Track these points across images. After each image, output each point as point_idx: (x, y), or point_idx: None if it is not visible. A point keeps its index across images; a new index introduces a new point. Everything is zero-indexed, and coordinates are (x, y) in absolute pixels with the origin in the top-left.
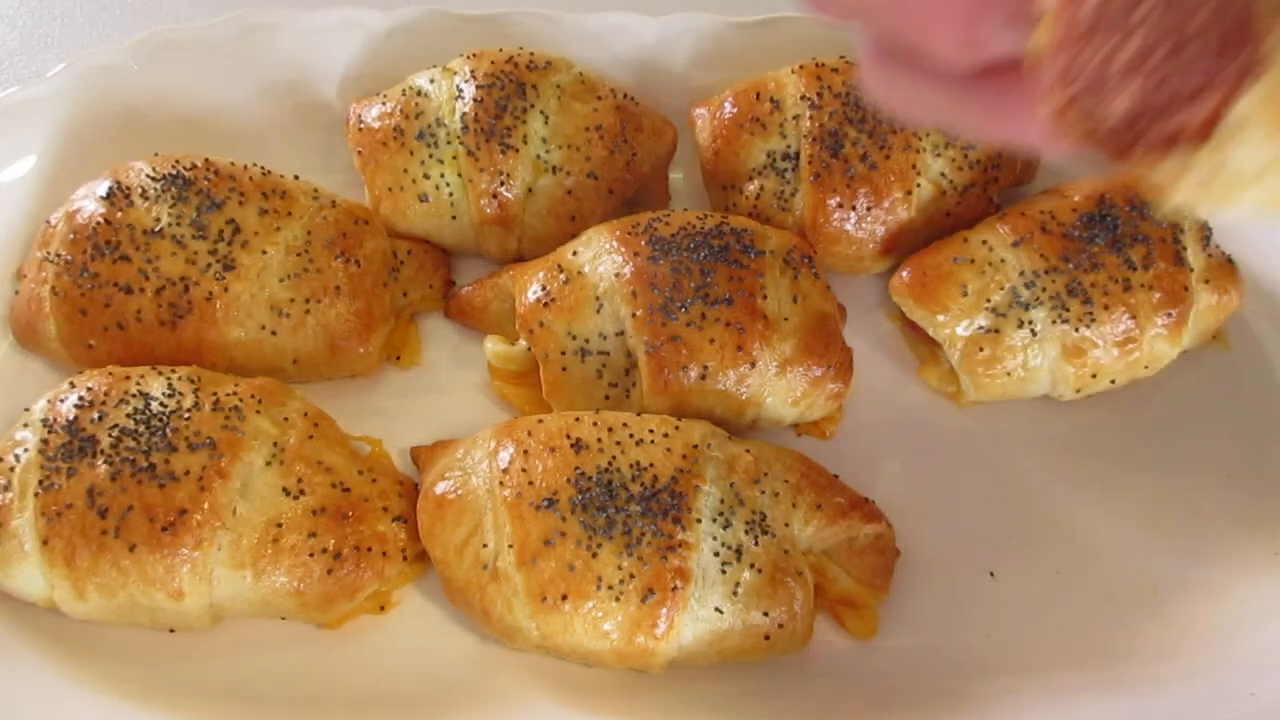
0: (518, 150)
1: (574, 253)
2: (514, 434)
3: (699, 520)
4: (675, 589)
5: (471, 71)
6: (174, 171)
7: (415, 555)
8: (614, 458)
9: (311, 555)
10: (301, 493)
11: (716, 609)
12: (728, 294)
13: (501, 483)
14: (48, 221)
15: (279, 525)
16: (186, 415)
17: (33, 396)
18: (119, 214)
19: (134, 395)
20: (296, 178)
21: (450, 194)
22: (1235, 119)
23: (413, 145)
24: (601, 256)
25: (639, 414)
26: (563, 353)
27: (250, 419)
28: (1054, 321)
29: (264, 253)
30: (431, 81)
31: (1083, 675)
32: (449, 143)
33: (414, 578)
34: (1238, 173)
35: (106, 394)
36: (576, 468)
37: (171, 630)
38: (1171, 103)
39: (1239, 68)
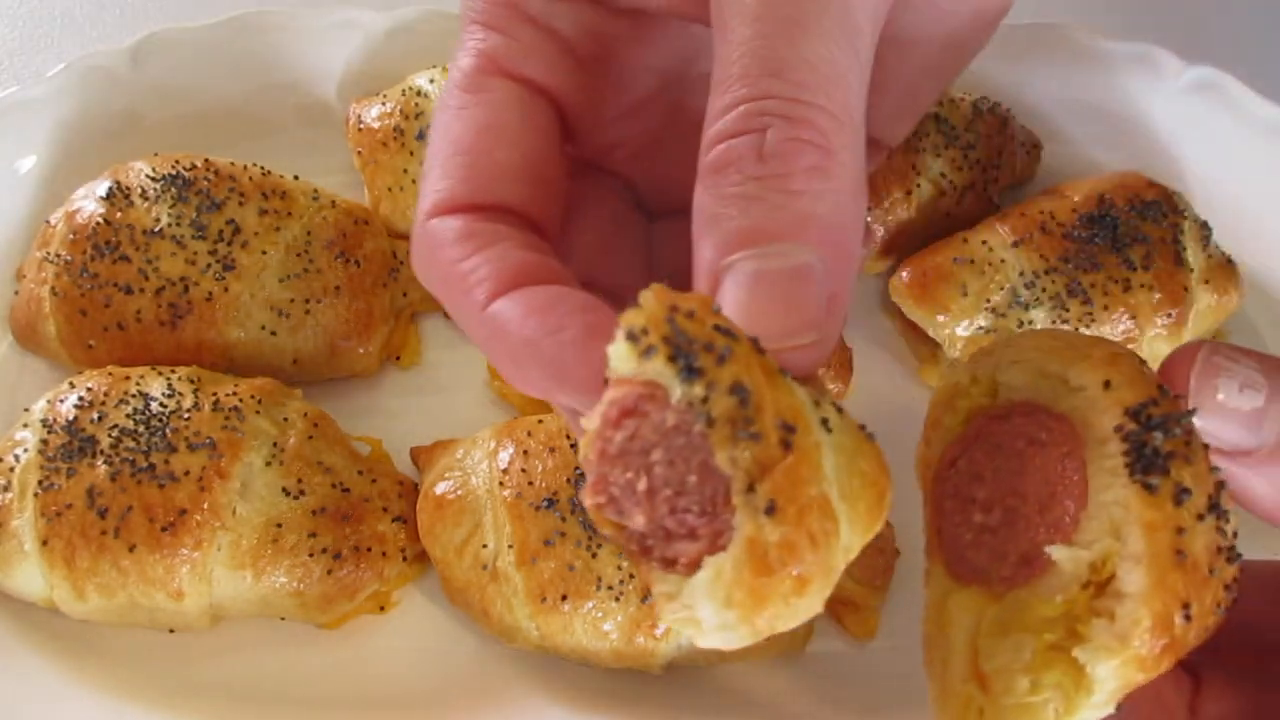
0: None
1: None
2: (514, 434)
3: None
4: None
5: None
6: (174, 171)
7: (415, 555)
8: None
9: (311, 555)
10: (301, 493)
11: None
12: None
13: (501, 483)
14: (48, 221)
15: (279, 525)
16: (186, 415)
17: (33, 396)
18: (119, 214)
19: (134, 395)
20: (296, 178)
21: None
22: (696, 581)
23: (413, 145)
24: None
25: None
26: None
27: (250, 419)
28: (1054, 321)
29: (264, 253)
30: (431, 81)
31: None
32: None
33: (414, 578)
34: (700, 620)
35: (106, 394)
36: (576, 468)
37: (171, 630)
38: (671, 536)
39: (714, 530)
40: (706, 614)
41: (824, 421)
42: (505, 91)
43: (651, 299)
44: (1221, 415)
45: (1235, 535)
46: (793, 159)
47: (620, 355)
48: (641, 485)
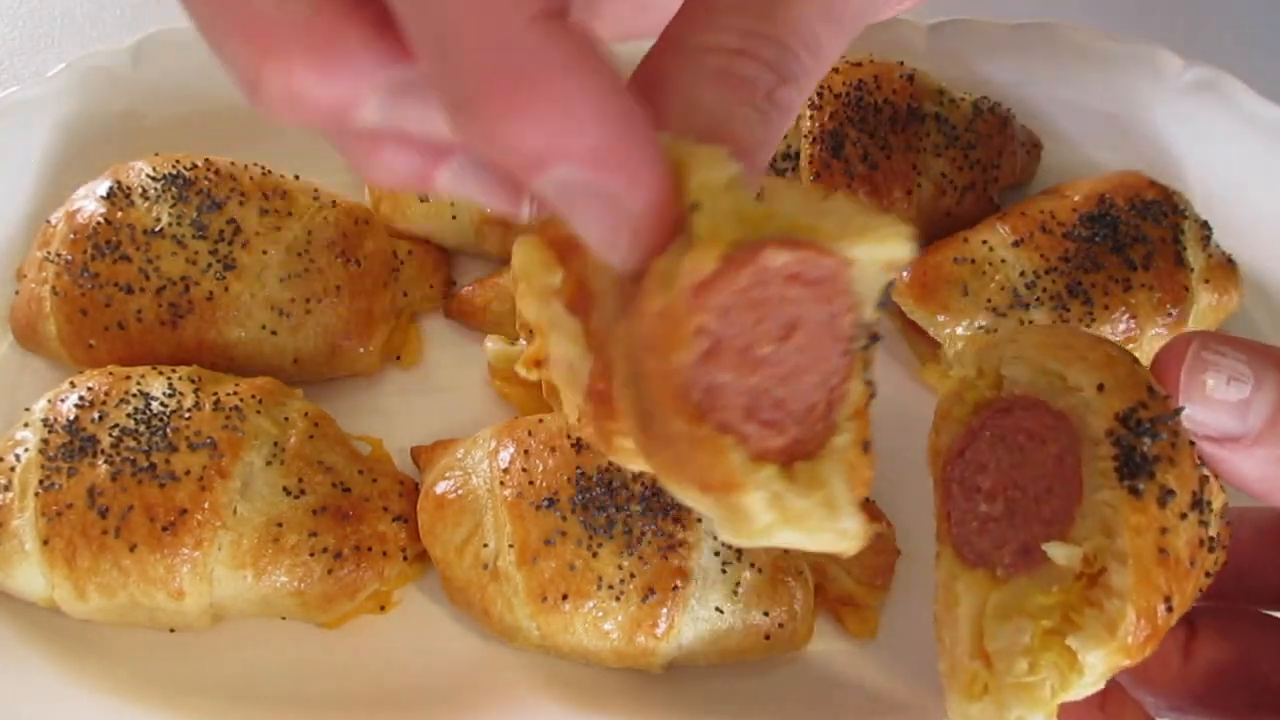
0: None
1: None
2: (514, 434)
3: (699, 520)
4: (676, 588)
5: None
6: (174, 171)
7: (415, 555)
8: None
9: (312, 555)
10: (302, 492)
11: (717, 608)
12: None
13: (502, 482)
14: (48, 221)
15: (279, 525)
16: (187, 415)
17: (33, 396)
18: (119, 214)
19: (134, 395)
20: (297, 178)
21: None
22: (835, 485)
23: None
24: None
25: None
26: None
27: (251, 419)
28: (1055, 321)
29: (264, 253)
30: None
31: None
32: None
33: (414, 578)
34: (800, 511)
35: (107, 394)
36: (577, 467)
37: (171, 630)
38: (755, 415)
39: (798, 438)
40: (848, 519)
41: None
42: None
43: (908, 228)
44: (1211, 406)
45: (1225, 513)
46: (786, 114)
47: (889, 256)
48: (765, 349)
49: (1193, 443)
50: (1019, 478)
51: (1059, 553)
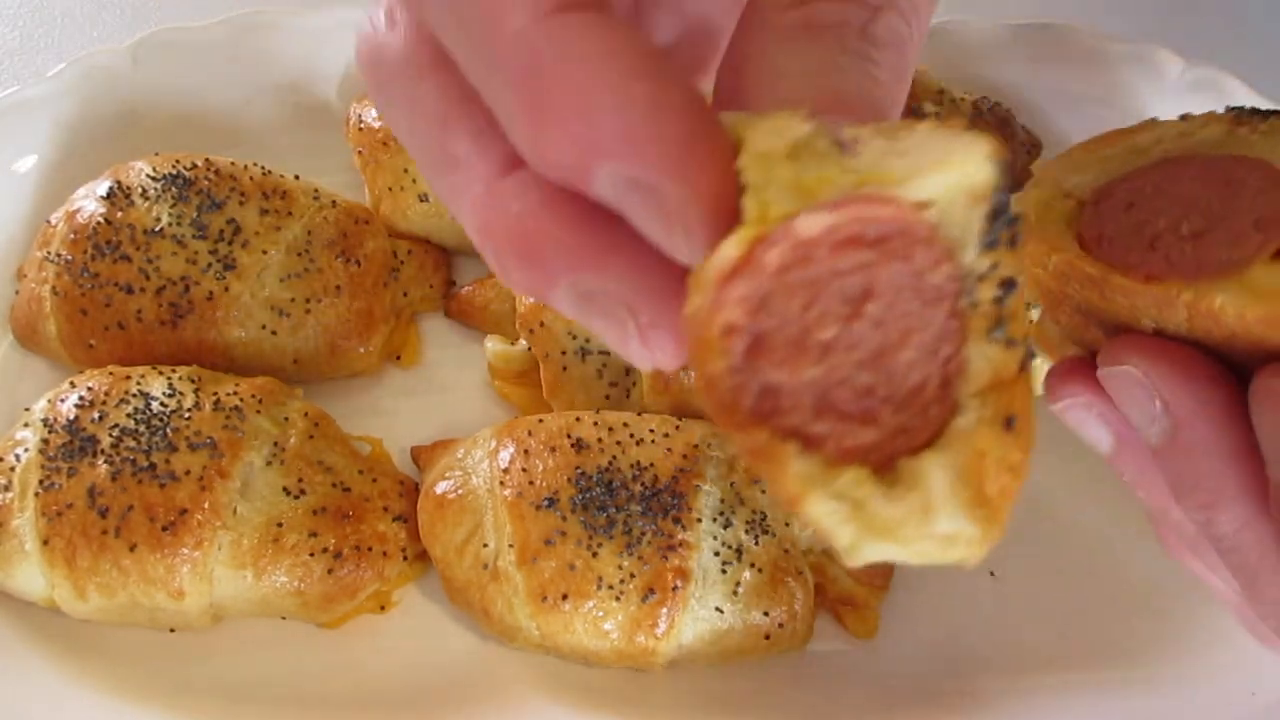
0: None
1: None
2: (514, 434)
3: (699, 520)
4: (676, 588)
5: None
6: (174, 171)
7: (415, 555)
8: (614, 457)
9: (312, 555)
10: (302, 492)
11: (717, 608)
12: None
13: (502, 482)
14: (48, 221)
15: (279, 525)
16: (187, 415)
17: (33, 396)
18: (119, 214)
19: (134, 395)
20: (297, 178)
21: None
22: (934, 484)
23: None
24: None
25: (639, 414)
26: (563, 352)
27: (251, 419)
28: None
29: (264, 253)
30: None
31: (1083, 675)
32: None
33: (414, 578)
34: (882, 520)
35: (107, 394)
36: (577, 467)
37: (172, 630)
38: (827, 411)
39: (903, 426)
40: (950, 520)
41: None
42: None
43: (988, 144)
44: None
45: None
46: (889, 50)
47: (965, 181)
48: (827, 333)
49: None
50: (1190, 197)
51: None
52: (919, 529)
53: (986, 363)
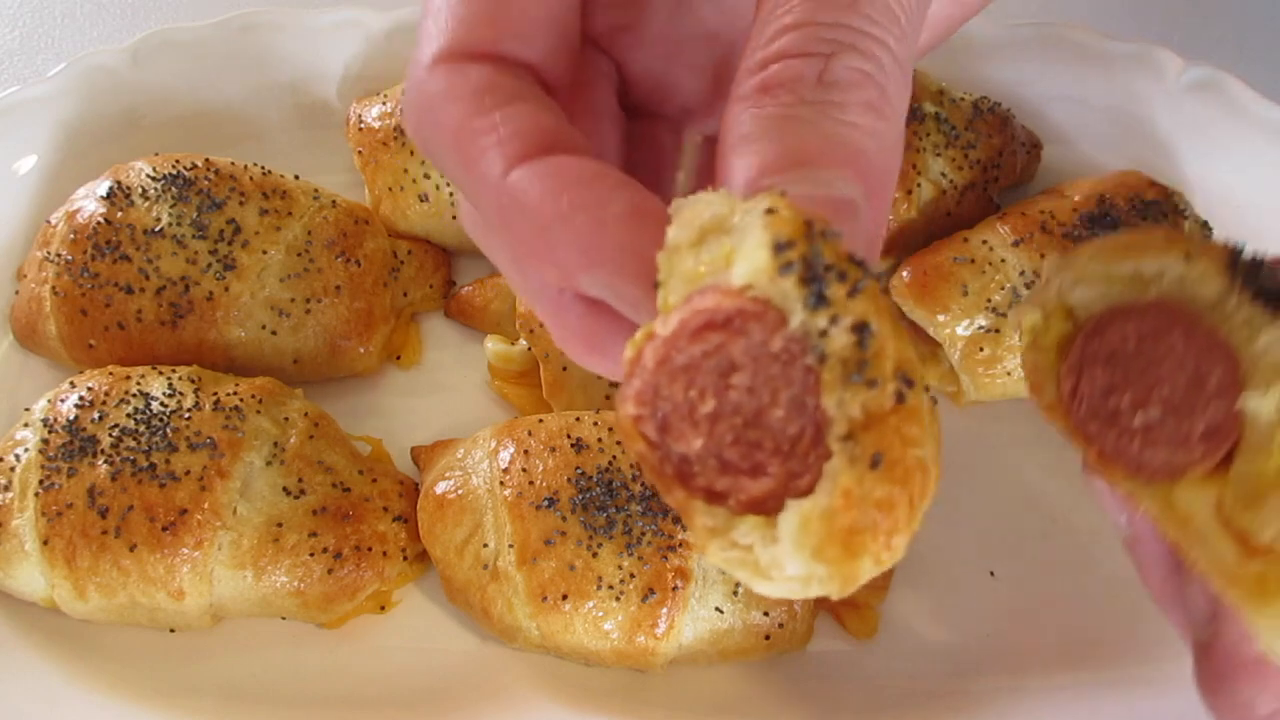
0: None
1: None
2: (514, 434)
3: None
4: (676, 588)
5: None
6: (174, 171)
7: (415, 555)
8: (614, 457)
9: (312, 555)
10: (302, 492)
11: (717, 608)
12: None
13: (502, 482)
14: (48, 221)
15: (279, 525)
16: (187, 415)
17: (33, 396)
18: (119, 214)
19: (134, 395)
20: (297, 178)
21: (450, 194)
22: (783, 528)
23: (414, 145)
24: None
25: None
26: (563, 353)
27: (251, 419)
28: None
29: (264, 253)
30: None
31: (1083, 675)
32: None
33: (414, 578)
34: (762, 564)
35: (107, 394)
36: (577, 467)
37: (171, 630)
38: (727, 468)
39: (789, 471)
40: (794, 564)
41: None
42: None
43: (787, 209)
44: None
45: None
46: (855, 90)
47: (755, 265)
48: (707, 407)
49: None
50: (1157, 376)
51: (1262, 404)
52: (780, 572)
53: (853, 405)
